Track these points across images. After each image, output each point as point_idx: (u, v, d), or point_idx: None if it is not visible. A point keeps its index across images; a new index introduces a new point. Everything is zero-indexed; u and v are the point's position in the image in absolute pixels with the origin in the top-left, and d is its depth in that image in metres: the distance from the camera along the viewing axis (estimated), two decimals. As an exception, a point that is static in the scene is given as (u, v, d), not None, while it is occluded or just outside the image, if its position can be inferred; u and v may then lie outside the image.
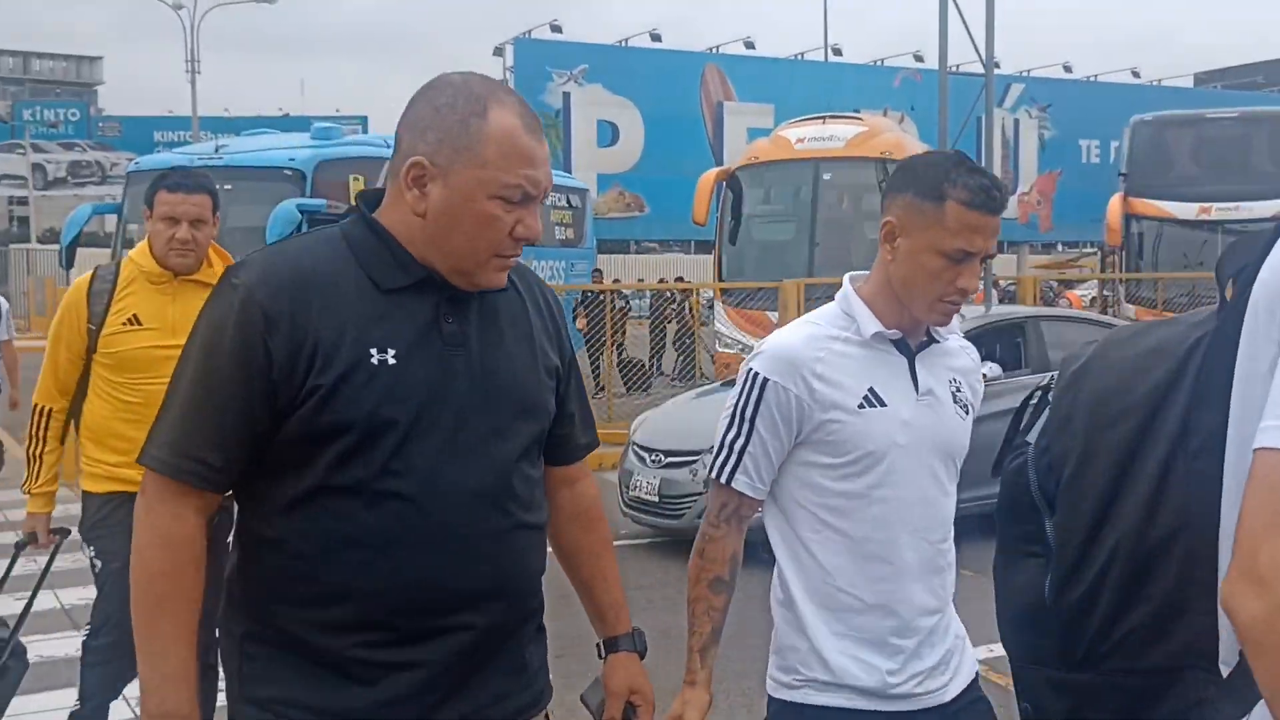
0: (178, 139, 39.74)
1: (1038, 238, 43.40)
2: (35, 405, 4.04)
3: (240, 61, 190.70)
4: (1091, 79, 44.90)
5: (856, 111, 19.96)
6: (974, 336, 8.99)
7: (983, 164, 11.55)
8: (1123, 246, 20.26)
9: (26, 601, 4.58)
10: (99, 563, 4.05)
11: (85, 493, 4.12)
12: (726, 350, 15.93)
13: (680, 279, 29.02)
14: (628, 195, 38.81)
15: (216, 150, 16.29)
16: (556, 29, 39.25)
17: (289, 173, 15.33)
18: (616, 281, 26.46)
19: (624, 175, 38.59)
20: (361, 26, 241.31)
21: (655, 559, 8.14)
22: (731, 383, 9.93)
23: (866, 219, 16.73)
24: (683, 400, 9.91)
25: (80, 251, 17.16)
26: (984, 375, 9.01)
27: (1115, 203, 20.09)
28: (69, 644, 5.96)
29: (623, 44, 41.06)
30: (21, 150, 47.05)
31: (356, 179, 16.34)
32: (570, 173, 28.70)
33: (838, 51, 44.48)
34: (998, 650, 6.09)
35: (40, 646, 5.94)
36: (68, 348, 4.06)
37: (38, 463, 4.06)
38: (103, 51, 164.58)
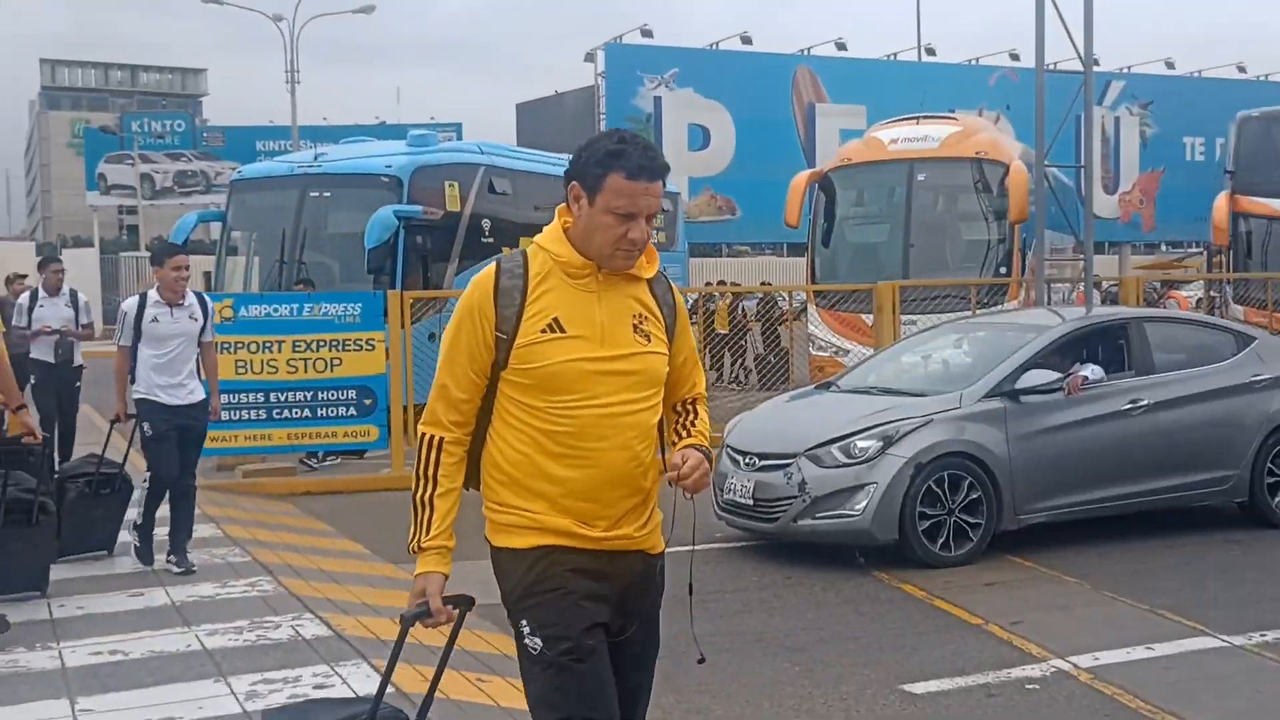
0: (278, 148, 40.59)
1: (1140, 238, 42.39)
2: (422, 435, 3.12)
3: (338, 72, 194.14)
4: (1195, 75, 43.73)
5: (951, 112, 19.72)
6: (1075, 339, 8.91)
7: (1081, 162, 11.19)
8: (1230, 246, 19.70)
9: (426, 696, 3.66)
10: (538, 641, 3.02)
11: (497, 549, 3.14)
12: (820, 354, 15.83)
13: (766, 283, 28.84)
14: (719, 198, 38.71)
15: (315, 159, 16.60)
16: (647, 34, 39.31)
17: (386, 180, 15.56)
18: (708, 285, 26.42)
19: (715, 178, 38.51)
20: (453, 35, 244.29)
21: (750, 562, 8.12)
22: (827, 385, 9.76)
23: (962, 219, 16.51)
24: (777, 403, 9.88)
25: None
26: (1085, 377, 8.78)
27: (1221, 201, 19.55)
28: (182, 639, 6.13)
29: (713, 47, 40.99)
30: (130, 161, 48.43)
31: (451, 185, 16.56)
32: (662, 176, 28.70)
33: (931, 51, 43.89)
34: (1104, 659, 5.99)
35: (151, 642, 6.13)
36: (471, 360, 3.07)
37: (426, 509, 3.08)
38: (207, 64, 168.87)
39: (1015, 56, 39.37)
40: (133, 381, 7.79)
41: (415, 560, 3.10)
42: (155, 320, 7.62)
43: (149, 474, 7.78)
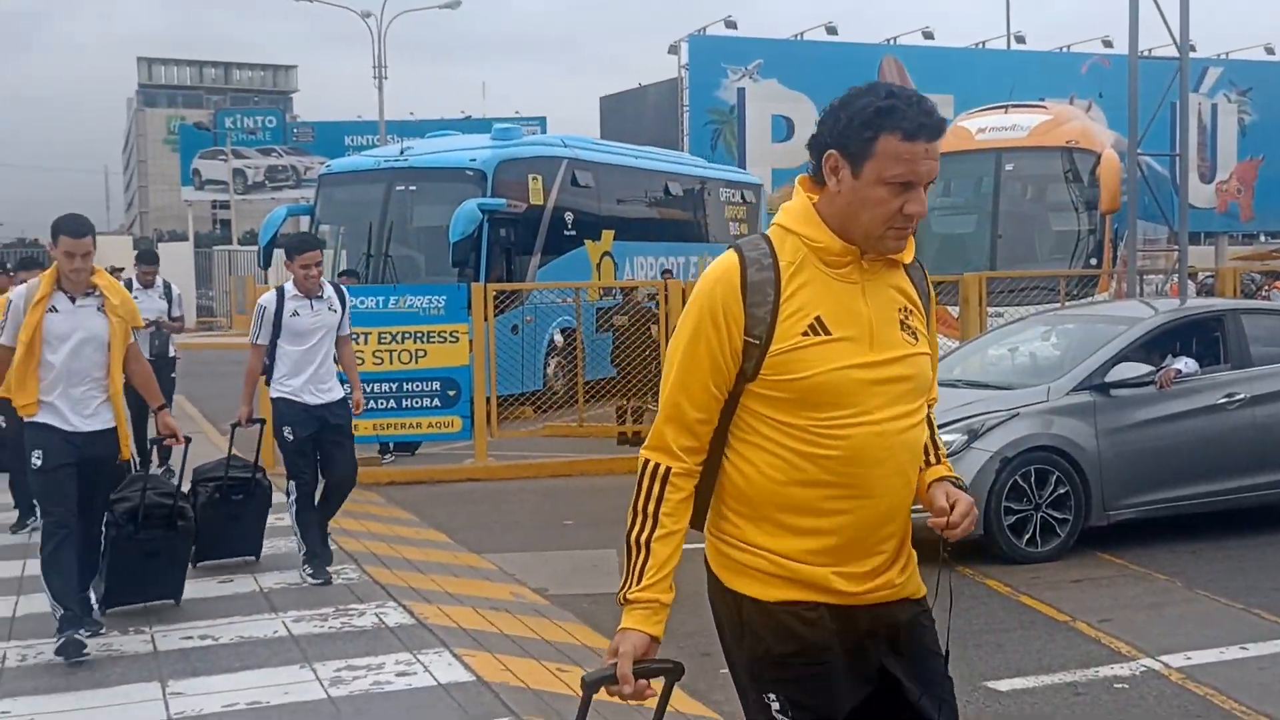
0: (366, 143, 41.17)
1: (1238, 228, 41.30)
2: (645, 462, 2.52)
3: (425, 67, 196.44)
4: (1297, 59, 42.41)
5: (1041, 100, 19.35)
6: (1168, 331, 8.69)
7: (1176, 151, 10.96)
8: (1332, 236, 19.08)
9: None
10: None
11: (736, 594, 2.54)
12: (904, 346, 15.63)
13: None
14: (803, 190, 38.40)
15: (402, 153, 16.81)
16: (731, 25, 39.20)
17: (470, 173, 15.72)
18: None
19: (799, 170, 38.20)
20: (538, 29, 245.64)
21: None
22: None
23: (1051, 210, 16.19)
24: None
25: (277, 253, 17.98)
26: (1179, 370, 8.57)
27: (1324, 190, 18.93)
28: (270, 625, 6.26)
29: (798, 38, 40.74)
30: (224, 157, 49.50)
31: (535, 178, 16.66)
32: (745, 168, 28.60)
33: (1021, 39, 43.18)
34: (1196, 658, 5.85)
35: (239, 628, 6.26)
36: (714, 373, 2.47)
37: (641, 553, 2.50)
38: (297, 61, 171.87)
39: (1108, 43, 38.57)
40: (267, 382, 7.41)
41: (621, 611, 2.56)
42: (295, 314, 7.25)
43: (291, 483, 7.31)
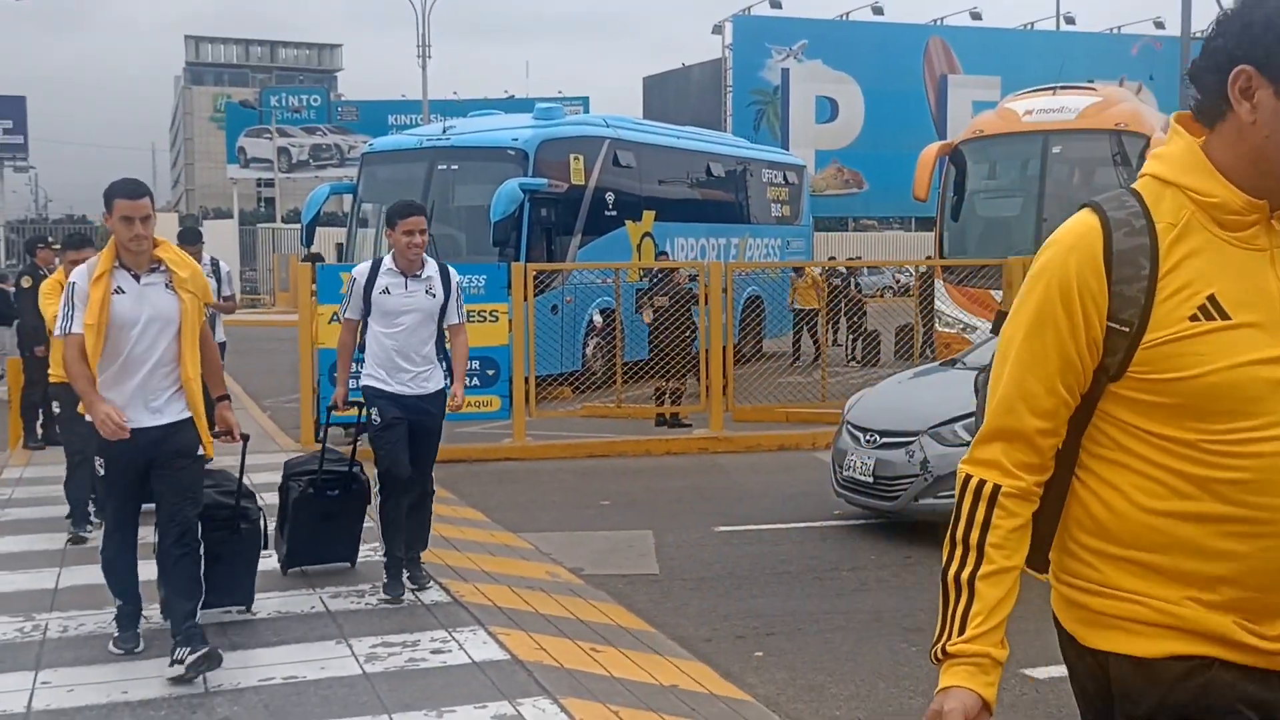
0: (409, 122, 41.34)
1: (1289, 213, 40.62)
2: (966, 477, 1.99)
3: (468, 46, 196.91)
4: (1354, 41, 41.64)
5: (1090, 82, 19.09)
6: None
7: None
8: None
9: None
10: None
11: (1099, 652, 2.04)
12: (947, 330, 15.51)
13: (832, 257, 28.22)
14: (846, 171, 38.23)
15: (444, 132, 16.84)
16: (776, 4, 38.94)
17: (512, 153, 15.72)
18: (832, 259, 26.11)
19: (842, 151, 38.03)
20: (582, 9, 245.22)
21: (868, 540, 8.01)
22: (952, 363, 9.57)
23: (1099, 193, 15.97)
24: (899, 380, 9.70)
25: (319, 230, 18.08)
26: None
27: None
28: (307, 600, 6.30)
29: (843, 18, 40.42)
30: (269, 135, 49.86)
31: (576, 158, 16.64)
32: (788, 149, 28.44)
33: (1070, 20, 42.62)
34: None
35: (277, 602, 6.30)
36: (1064, 369, 1.92)
37: (963, 596, 1.99)
38: (342, 40, 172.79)
39: (1160, 24, 38.02)
40: (360, 363, 6.53)
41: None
42: (386, 292, 6.30)
43: (378, 472, 6.45)
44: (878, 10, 39.51)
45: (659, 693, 4.96)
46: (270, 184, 56.74)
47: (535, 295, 12.84)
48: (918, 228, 42.26)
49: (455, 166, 16.16)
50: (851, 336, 19.45)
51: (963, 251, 16.07)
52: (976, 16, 40.71)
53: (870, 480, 8.16)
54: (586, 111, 34.19)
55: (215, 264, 10.47)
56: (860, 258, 34.21)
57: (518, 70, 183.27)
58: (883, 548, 7.86)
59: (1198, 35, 14.31)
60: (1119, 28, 41.17)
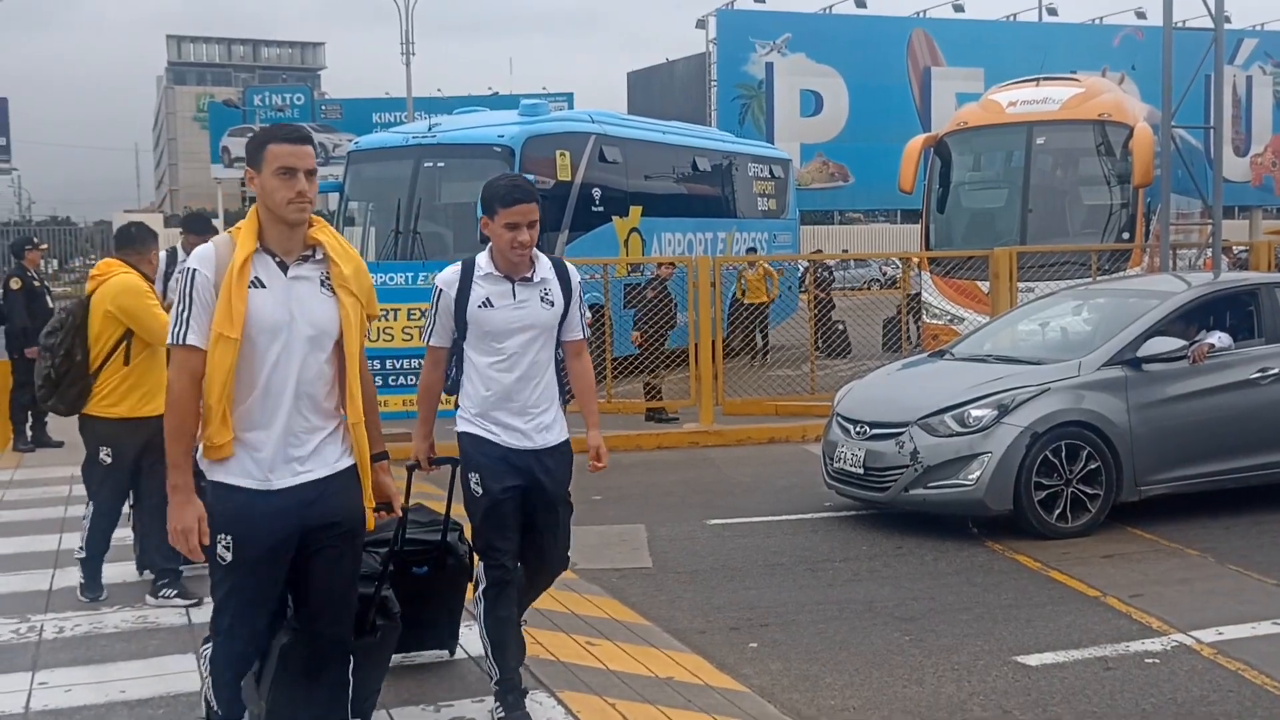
0: (394, 119, 41.26)
1: (1272, 201, 40.85)
2: None
3: (452, 43, 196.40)
4: (1335, 30, 41.79)
5: (1073, 73, 19.15)
6: (1201, 305, 8.61)
7: (1210, 123, 10.73)
8: (1369, 209, 18.83)
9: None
10: None
11: None
12: (934, 321, 15.57)
13: (818, 250, 28.21)
14: (831, 165, 38.29)
15: (429, 129, 16.81)
16: (759, -1, 38.94)
17: (498, 149, 15.70)
18: (818, 251, 26.16)
19: (828, 145, 38.09)
20: (565, 4, 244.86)
21: (860, 531, 8.05)
22: (940, 354, 9.60)
23: (1083, 184, 16.04)
24: (888, 371, 9.75)
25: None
26: (1212, 345, 8.53)
27: (1360, 162, 18.69)
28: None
29: (826, 11, 40.45)
30: (252, 134, 49.74)
31: (562, 154, 16.64)
32: (773, 143, 28.46)
33: (1052, 11, 42.72)
34: (1228, 633, 5.83)
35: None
36: None
37: None
38: (325, 38, 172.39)
39: (1141, 15, 38.15)
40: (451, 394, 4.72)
41: None
42: (486, 304, 4.50)
43: (480, 565, 4.66)
44: (860, 3, 39.56)
45: (655, 685, 4.99)
46: (254, 183, 56.51)
47: (524, 291, 12.83)
48: (903, 220, 42.34)
49: (441, 164, 16.14)
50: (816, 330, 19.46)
51: (949, 243, 16.12)
52: (959, 9, 40.81)
53: (861, 471, 8.20)
54: (571, 107, 34.16)
55: None
56: (847, 251, 34.29)
57: (502, 66, 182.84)
58: (874, 538, 7.90)
59: (1179, 26, 14.38)
60: (1101, 19, 41.32)
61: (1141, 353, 8.06)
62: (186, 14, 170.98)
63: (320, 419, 3.64)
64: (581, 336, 4.74)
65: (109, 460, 6.25)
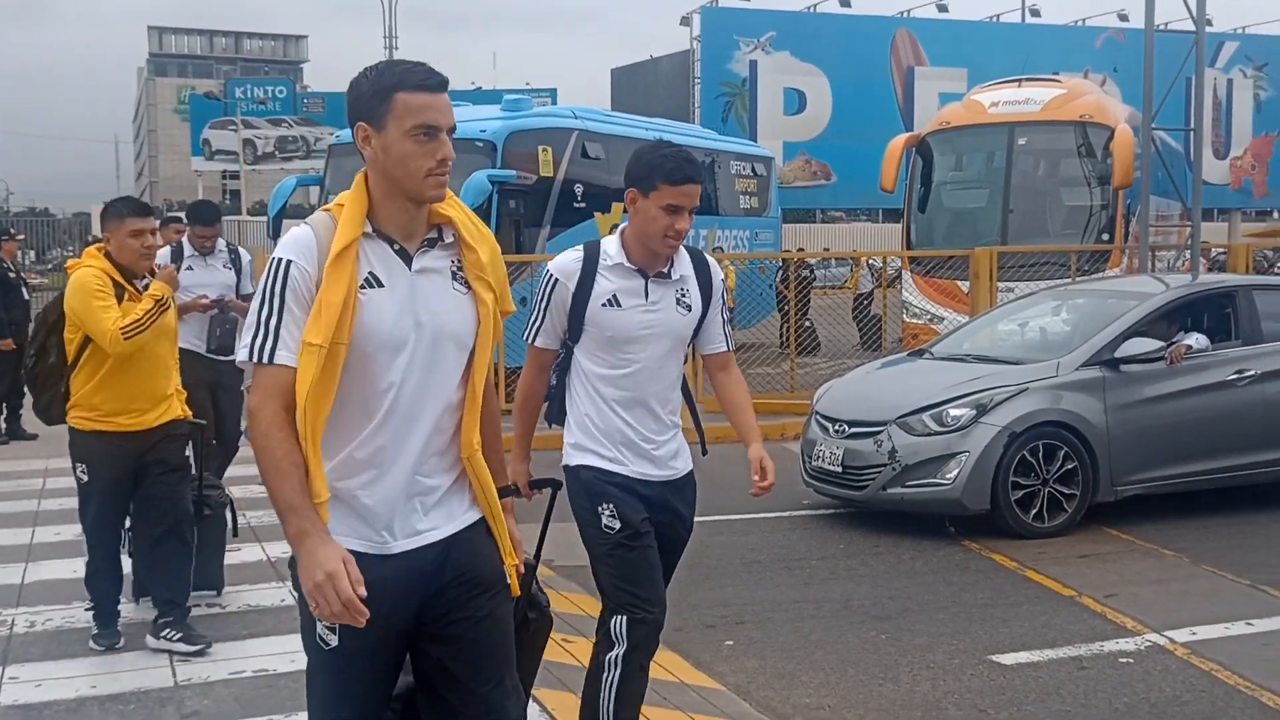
0: (376, 114, 41.02)
1: (1251, 204, 41.11)
2: None
3: (435, 37, 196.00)
4: (1314, 34, 42.08)
5: (1055, 74, 19.22)
6: (1179, 307, 8.65)
7: (1190, 126, 10.75)
8: (1346, 212, 18.97)
9: None
10: None
11: None
12: (914, 320, 15.61)
13: (800, 249, 28.22)
14: (814, 163, 38.32)
15: (412, 124, 16.75)
16: (744, -4, 38.96)
17: (480, 144, 15.65)
18: (800, 250, 26.18)
19: (810, 143, 38.10)
20: (550, 0, 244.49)
21: (837, 530, 8.06)
22: (919, 353, 9.61)
23: (1064, 185, 16.12)
24: (867, 370, 9.76)
25: (286, 223, 17.96)
26: (1189, 346, 8.57)
27: (1338, 166, 18.83)
28: (276, 594, 6.28)
29: (811, 10, 40.50)
30: (234, 127, 49.42)
31: (545, 150, 16.60)
32: (756, 141, 28.48)
33: (1035, 13, 42.88)
34: (1201, 633, 5.85)
35: (247, 596, 6.28)
36: None
37: None
38: (308, 31, 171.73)
39: (1124, 17, 38.32)
40: (556, 423, 3.99)
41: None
42: (613, 303, 3.72)
43: (615, 620, 3.75)
44: (845, 2, 39.61)
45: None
46: (235, 176, 56.31)
47: (504, 287, 12.81)
48: (885, 220, 42.44)
49: (423, 158, 16.08)
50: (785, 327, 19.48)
51: (930, 243, 16.17)
52: (943, 9, 40.90)
53: (839, 470, 8.20)
54: (554, 103, 34.11)
55: (235, 253, 7.93)
56: (829, 249, 34.36)
57: (485, 61, 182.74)
58: (851, 537, 7.91)
59: (1161, 28, 14.45)
60: (1083, 20, 41.48)
61: (1119, 353, 8.09)
62: (168, 5, 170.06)
63: (449, 458, 2.73)
64: (727, 349, 3.96)
65: (84, 478, 5.38)
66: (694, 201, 3.66)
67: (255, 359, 2.55)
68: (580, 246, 3.83)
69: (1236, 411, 8.26)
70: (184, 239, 7.81)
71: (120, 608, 5.57)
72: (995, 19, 42.59)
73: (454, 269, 2.71)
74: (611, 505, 3.71)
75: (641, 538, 3.73)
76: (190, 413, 5.73)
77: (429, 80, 2.62)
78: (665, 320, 3.74)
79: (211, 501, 6.05)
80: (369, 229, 2.62)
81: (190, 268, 7.43)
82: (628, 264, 3.72)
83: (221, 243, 7.86)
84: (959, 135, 16.43)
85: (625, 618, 3.72)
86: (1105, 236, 15.13)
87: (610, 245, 3.77)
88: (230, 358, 7.51)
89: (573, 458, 3.80)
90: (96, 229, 16.08)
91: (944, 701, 4.99)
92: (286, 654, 5.26)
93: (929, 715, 4.88)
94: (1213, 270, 17.91)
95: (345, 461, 2.62)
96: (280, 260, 2.59)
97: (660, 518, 3.80)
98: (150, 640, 5.39)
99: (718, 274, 3.89)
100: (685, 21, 39.45)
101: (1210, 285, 9.26)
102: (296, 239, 2.63)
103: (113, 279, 5.30)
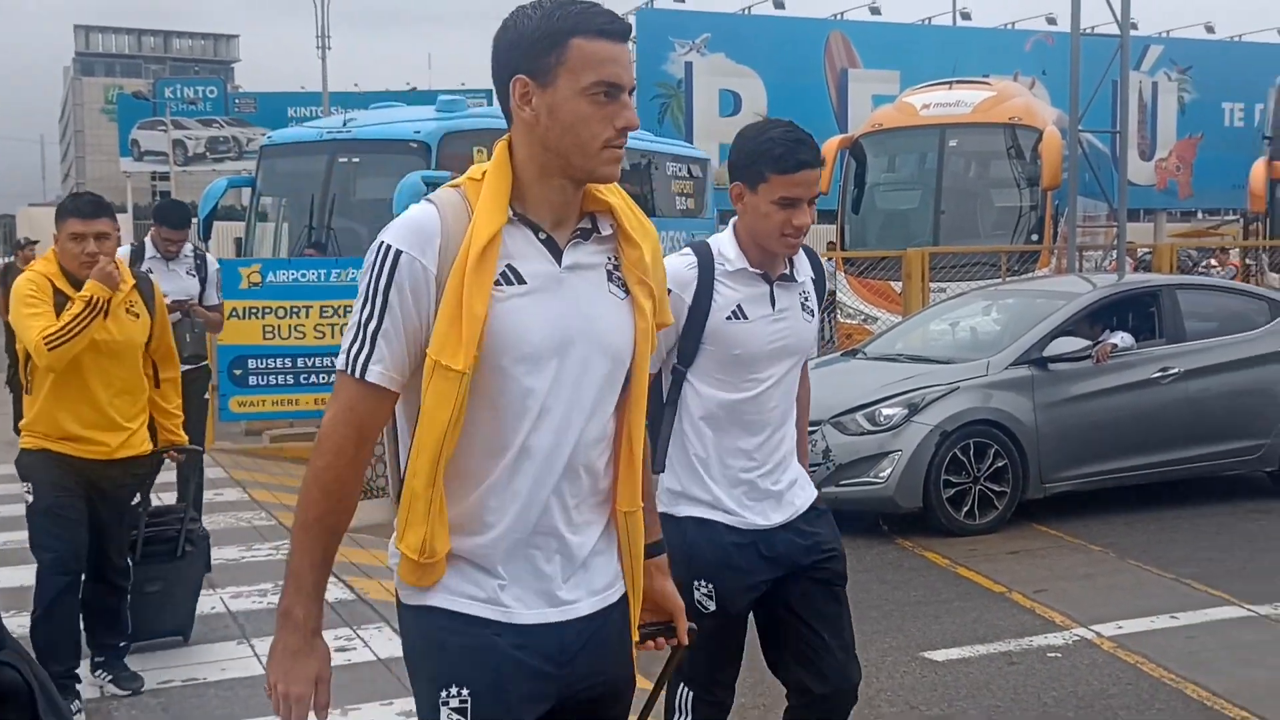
0: (310, 114, 40.66)
1: (1176, 205, 41.90)
2: None
3: (370, 37, 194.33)
4: (1236, 39, 43.03)
5: (985, 77, 19.48)
6: (1105, 306, 8.81)
7: (1117, 128, 10.90)
8: (1267, 213, 19.42)
9: None
10: None
11: None
12: (849, 320, 15.74)
13: None
14: (750, 165, 38.46)
15: (344, 124, 16.61)
16: (679, -2, 39.05)
17: (414, 145, 15.55)
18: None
19: (746, 145, 38.22)
20: (487, 1, 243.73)
21: (773, 529, 8.12)
22: (853, 353, 9.67)
23: (994, 186, 16.33)
24: (803, 371, 9.83)
25: (216, 225, 17.73)
26: (1115, 345, 8.70)
27: (1259, 167, 19.26)
28: (207, 601, 6.20)
29: (745, 12, 40.70)
30: (163, 127, 48.61)
31: (480, 150, 16.53)
32: (692, 142, 28.57)
33: (966, 16, 43.42)
34: (1127, 627, 5.97)
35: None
36: None
37: None
38: (239, 30, 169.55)
39: (1052, 20, 38.90)
40: (659, 471, 3.11)
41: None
42: (738, 315, 3.10)
43: (676, 673, 2.75)
44: (779, 4, 39.82)
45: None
46: (166, 177, 55.40)
47: (439, 289, 12.75)
48: (820, 221, 42.75)
49: (356, 159, 15.95)
50: None
51: (863, 244, 16.31)
52: (875, 11, 41.27)
53: (774, 470, 8.24)
54: (490, 104, 33.98)
55: (202, 260, 7.43)
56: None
57: (420, 62, 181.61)
58: (787, 536, 7.95)
59: (1087, 32, 14.71)
60: (1013, 24, 42.06)
61: (1047, 352, 8.23)
62: (94, 4, 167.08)
63: (595, 507, 2.18)
64: (813, 354, 3.39)
65: (30, 499, 4.77)
66: (813, 190, 3.09)
67: (348, 368, 2.05)
68: (688, 250, 3.20)
69: (1161, 409, 8.43)
70: (147, 239, 7.32)
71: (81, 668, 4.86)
72: (927, 21, 43.06)
73: (610, 267, 2.17)
74: (710, 585, 3.10)
75: (736, 622, 3.19)
76: (186, 438, 5.20)
77: (612, 26, 2.07)
78: (794, 330, 3.17)
79: (194, 537, 5.55)
80: (513, 215, 2.08)
81: (150, 270, 6.38)
82: (750, 268, 3.12)
83: (188, 248, 7.34)
84: (891, 137, 16.59)
85: (693, 694, 3.25)
86: (1034, 237, 15.36)
87: (726, 247, 3.16)
88: (198, 366, 7.14)
89: (676, 507, 3.10)
90: (24, 231, 15.53)
91: (877, 699, 5.04)
92: (216, 662, 5.21)
93: (861, 712, 4.91)
94: (1138, 270, 18.26)
95: (467, 510, 2.08)
96: (387, 249, 2.05)
97: (787, 569, 3.16)
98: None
99: (824, 274, 3.36)
100: (621, 23, 39.40)
101: (1135, 285, 9.44)
102: (415, 224, 2.08)
103: (55, 285, 4.71)
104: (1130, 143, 17.08)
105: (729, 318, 3.09)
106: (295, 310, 11.30)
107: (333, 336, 11.38)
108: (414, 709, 2.02)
